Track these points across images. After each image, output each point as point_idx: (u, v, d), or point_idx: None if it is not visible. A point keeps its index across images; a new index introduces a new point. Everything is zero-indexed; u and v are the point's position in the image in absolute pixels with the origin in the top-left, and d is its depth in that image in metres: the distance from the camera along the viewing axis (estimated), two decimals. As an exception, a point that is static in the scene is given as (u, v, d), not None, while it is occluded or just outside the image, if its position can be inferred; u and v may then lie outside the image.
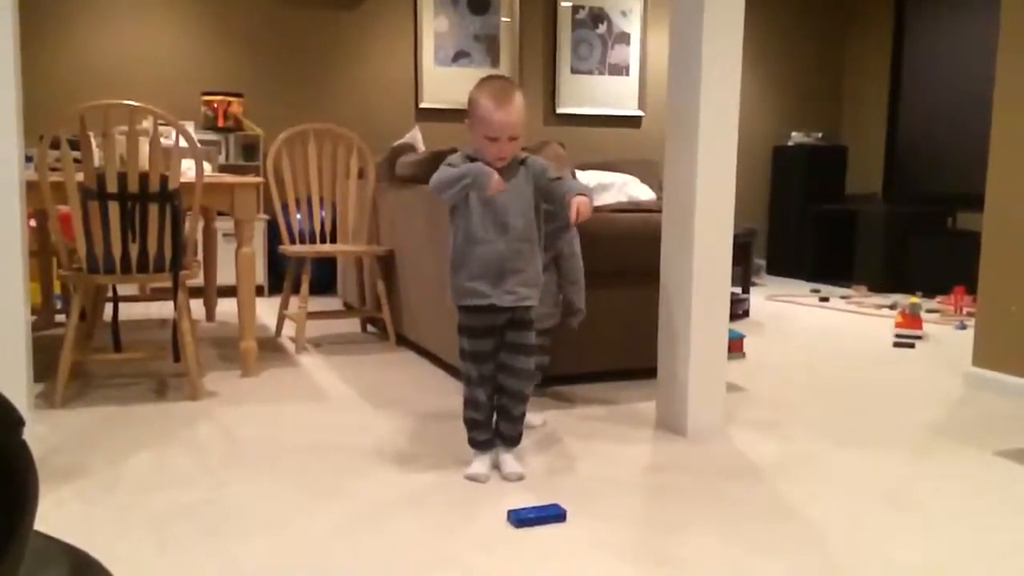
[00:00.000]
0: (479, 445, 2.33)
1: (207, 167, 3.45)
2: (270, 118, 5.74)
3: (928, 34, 6.79)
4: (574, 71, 6.74)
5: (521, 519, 1.97)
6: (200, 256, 4.53)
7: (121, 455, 2.46)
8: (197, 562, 1.79)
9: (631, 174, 3.97)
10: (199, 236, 4.58)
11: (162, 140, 2.99)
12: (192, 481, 2.26)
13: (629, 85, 6.90)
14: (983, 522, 2.07)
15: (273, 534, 1.93)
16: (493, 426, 2.35)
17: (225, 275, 4.63)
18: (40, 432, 2.64)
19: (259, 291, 5.30)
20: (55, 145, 2.97)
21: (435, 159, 3.67)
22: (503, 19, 6.49)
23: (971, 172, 5.92)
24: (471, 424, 2.33)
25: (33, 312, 3.16)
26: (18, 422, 0.61)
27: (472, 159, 2.26)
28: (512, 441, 2.36)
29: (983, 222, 3.42)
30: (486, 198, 2.21)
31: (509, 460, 2.33)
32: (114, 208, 2.92)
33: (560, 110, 6.70)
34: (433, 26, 6.32)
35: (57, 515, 2.02)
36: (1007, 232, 3.32)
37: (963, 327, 4.74)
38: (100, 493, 2.17)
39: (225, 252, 4.73)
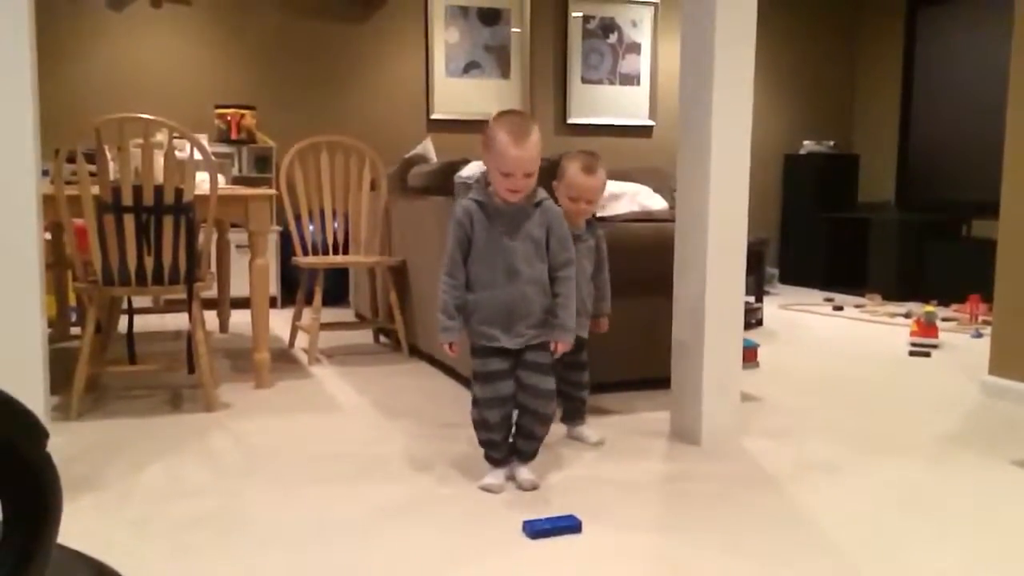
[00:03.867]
0: (495, 461, 2.32)
1: (221, 179, 3.47)
2: (283, 130, 5.77)
3: (939, 42, 6.77)
4: (585, 81, 6.76)
5: (536, 530, 1.97)
6: (214, 268, 4.55)
7: (137, 466, 2.47)
8: (213, 572, 1.79)
9: (643, 184, 3.96)
10: (213, 248, 4.61)
11: (177, 153, 3.01)
12: (207, 491, 2.27)
13: (640, 95, 6.91)
14: (1000, 530, 2.05)
15: (288, 544, 1.93)
16: (510, 442, 2.34)
17: (239, 287, 4.65)
18: (56, 444, 2.65)
19: (272, 302, 5.32)
20: (71, 159, 3.00)
21: (447, 170, 3.68)
22: (514, 30, 6.52)
23: (985, 179, 5.89)
24: (487, 444, 2.32)
25: (49, 324, 3.18)
26: (43, 434, 0.62)
27: (488, 183, 2.28)
28: (528, 457, 2.35)
29: (998, 229, 3.40)
30: (495, 244, 2.22)
31: (523, 470, 2.32)
32: (129, 221, 2.94)
33: (571, 120, 6.72)
34: (444, 37, 6.35)
35: (74, 526, 2.03)
36: (1023, 239, 3.30)
37: (979, 335, 4.71)
38: (116, 504, 2.18)
39: (239, 264, 4.76)
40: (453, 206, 2.67)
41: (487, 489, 2.27)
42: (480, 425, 2.29)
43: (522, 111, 2.23)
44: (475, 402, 2.27)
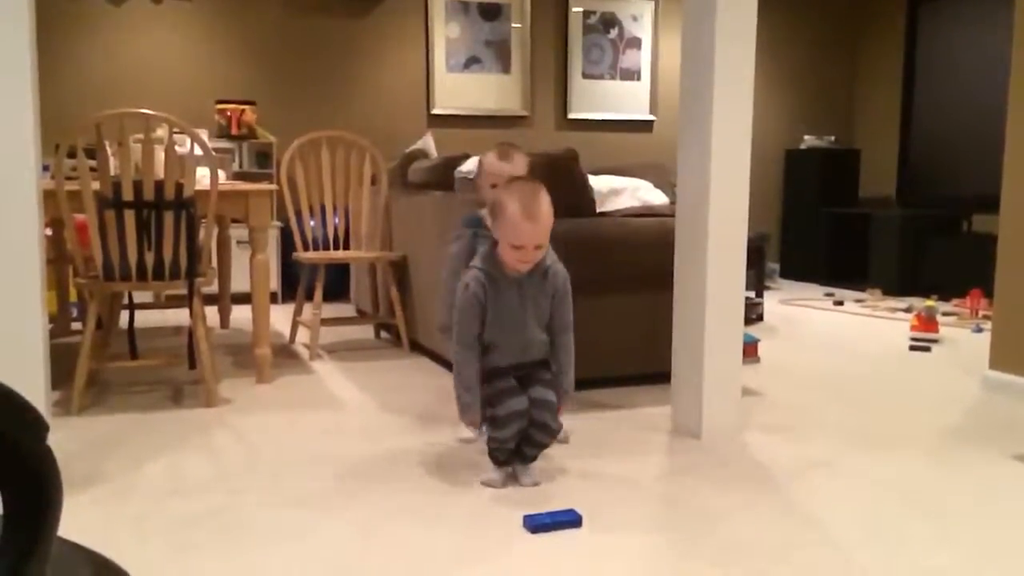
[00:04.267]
0: (499, 462, 2.32)
1: (221, 175, 3.47)
2: (283, 126, 5.77)
3: (941, 36, 6.77)
4: (585, 76, 6.75)
5: (536, 524, 1.97)
6: (215, 263, 4.55)
7: (137, 461, 2.47)
8: (214, 568, 1.80)
9: (643, 179, 3.97)
10: (213, 244, 4.61)
11: (177, 148, 3.01)
12: (208, 487, 2.27)
13: (641, 90, 6.91)
14: (1001, 525, 2.05)
15: (289, 539, 1.94)
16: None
17: (239, 282, 4.65)
18: (57, 439, 2.66)
19: (273, 298, 5.33)
20: (71, 154, 3.00)
21: (448, 165, 3.68)
22: (514, 25, 6.51)
23: (986, 174, 5.89)
24: (496, 454, 2.31)
25: (49, 320, 3.18)
26: (43, 428, 0.62)
27: (495, 243, 2.22)
28: (530, 460, 2.35)
29: (999, 224, 3.40)
30: (506, 312, 2.21)
31: (526, 469, 2.32)
32: (130, 216, 2.94)
33: (572, 115, 6.71)
34: (444, 32, 6.35)
35: (75, 521, 2.03)
36: (1023, 234, 3.29)
37: (980, 330, 4.71)
38: (117, 499, 2.18)
39: (239, 259, 4.76)
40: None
41: (488, 484, 2.27)
42: (498, 444, 2.27)
43: (533, 182, 2.18)
44: (491, 422, 2.26)
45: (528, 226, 2.10)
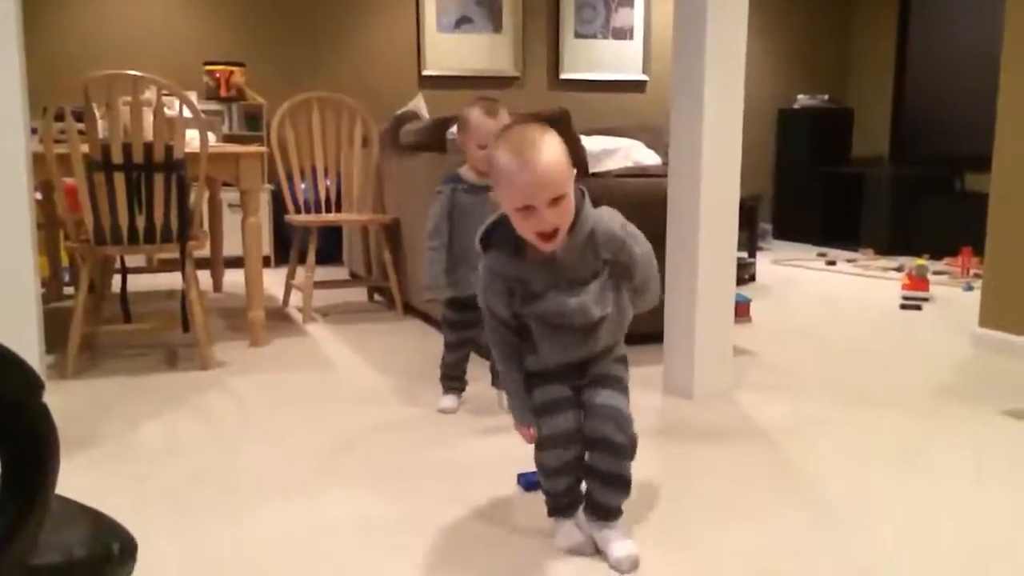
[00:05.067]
0: (556, 513, 1.78)
1: (211, 137, 3.44)
2: (272, 87, 5.72)
3: (936, -7, 6.71)
4: (577, 35, 6.69)
5: (530, 482, 1.99)
6: (206, 227, 4.54)
7: (133, 424, 2.49)
8: (211, 527, 1.82)
9: (636, 139, 3.95)
10: (205, 207, 4.58)
11: (166, 110, 2.98)
12: (204, 448, 2.29)
13: (633, 49, 6.85)
14: (990, 480, 2.08)
15: (285, 499, 1.96)
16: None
17: (231, 246, 4.64)
18: (52, 402, 2.65)
19: (265, 261, 5.31)
20: (59, 117, 2.97)
21: (439, 126, 3.66)
22: (505, -16, 6.42)
23: (979, 133, 5.87)
24: (549, 502, 1.78)
25: (42, 285, 3.18)
26: (39, 385, 0.63)
27: (511, 240, 1.64)
28: (609, 514, 1.72)
29: (991, 183, 3.40)
30: (551, 308, 1.64)
31: (607, 531, 1.70)
32: (120, 179, 2.92)
33: (564, 75, 6.66)
34: (435, -8, 6.27)
35: (70, 483, 2.04)
36: (1015, 193, 3.30)
37: (970, 288, 4.74)
38: (113, 461, 2.19)
39: (231, 223, 4.74)
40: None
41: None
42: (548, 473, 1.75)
43: (528, 124, 1.61)
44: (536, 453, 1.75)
45: (526, 176, 1.51)
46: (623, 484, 1.71)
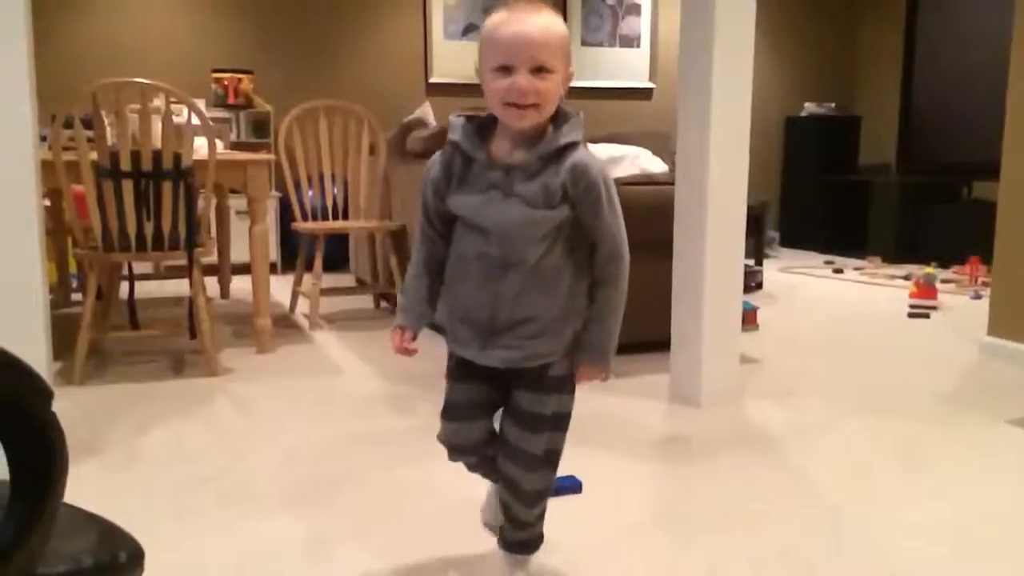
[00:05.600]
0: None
1: (219, 145, 3.46)
2: (280, 95, 5.73)
3: (943, 3, 6.70)
4: (585, 43, 6.70)
5: (537, 490, 1.99)
6: (214, 234, 4.55)
7: (140, 430, 2.49)
8: (217, 533, 1.82)
9: (643, 147, 3.95)
10: (212, 214, 4.60)
11: (174, 118, 3.00)
12: (210, 455, 2.29)
13: (640, 57, 6.85)
14: (993, 487, 2.07)
15: (290, 506, 1.96)
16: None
17: (239, 253, 4.65)
18: (60, 408, 2.66)
19: (272, 268, 5.32)
20: (68, 124, 2.98)
21: (446, 134, 3.66)
22: (512, -8, 6.44)
23: (986, 141, 5.86)
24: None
25: (50, 291, 3.19)
26: (48, 394, 0.63)
27: (483, 124, 1.44)
28: (509, 545, 1.58)
29: (999, 191, 3.39)
30: (475, 219, 1.41)
31: (508, 557, 1.59)
32: (128, 186, 2.94)
33: (571, 83, 6.66)
34: None
35: (77, 489, 2.04)
36: (1023, 201, 3.29)
37: (978, 297, 4.72)
38: (120, 467, 2.20)
39: (238, 230, 4.75)
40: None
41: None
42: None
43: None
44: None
45: (511, 28, 1.32)
46: (528, 531, 1.56)
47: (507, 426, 1.49)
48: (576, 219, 1.40)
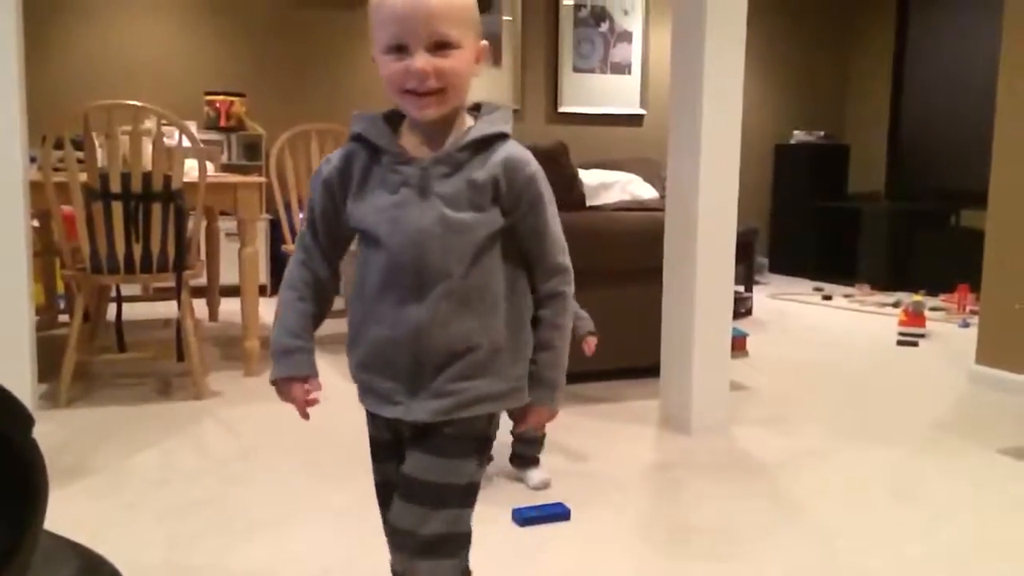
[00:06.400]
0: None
1: (210, 167, 3.45)
2: (272, 118, 5.74)
3: (930, 31, 6.78)
4: (576, 70, 6.74)
5: (525, 517, 1.98)
6: (203, 256, 4.53)
7: (127, 453, 2.46)
8: (204, 558, 1.79)
9: (633, 173, 3.96)
10: (202, 236, 4.58)
11: (165, 140, 2.99)
12: (198, 478, 2.27)
13: (631, 83, 6.90)
14: (985, 517, 2.07)
15: (278, 530, 1.93)
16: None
17: (228, 275, 4.63)
18: (45, 431, 2.64)
19: (262, 291, 5.30)
20: (59, 145, 2.97)
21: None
22: (505, 18, 6.49)
23: (975, 169, 5.91)
24: None
25: (36, 312, 3.17)
26: (29, 421, 0.62)
27: (389, 117, 1.22)
28: None
29: (987, 220, 3.41)
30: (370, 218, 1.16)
31: None
32: (117, 208, 2.93)
33: (562, 109, 6.70)
34: (435, 25, 6.32)
35: (64, 513, 2.02)
36: (1011, 230, 3.31)
37: (966, 325, 4.74)
38: (106, 491, 2.17)
39: (228, 252, 4.73)
40: None
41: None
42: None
43: None
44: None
45: (403, 1, 1.09)
46: None
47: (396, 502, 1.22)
48: (510, 227, 1.15)
